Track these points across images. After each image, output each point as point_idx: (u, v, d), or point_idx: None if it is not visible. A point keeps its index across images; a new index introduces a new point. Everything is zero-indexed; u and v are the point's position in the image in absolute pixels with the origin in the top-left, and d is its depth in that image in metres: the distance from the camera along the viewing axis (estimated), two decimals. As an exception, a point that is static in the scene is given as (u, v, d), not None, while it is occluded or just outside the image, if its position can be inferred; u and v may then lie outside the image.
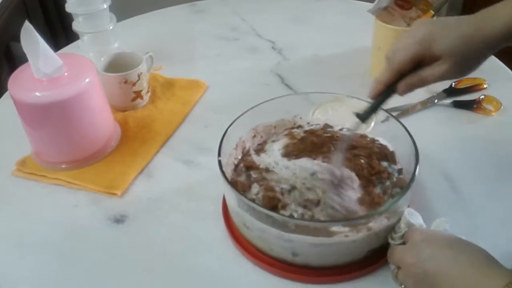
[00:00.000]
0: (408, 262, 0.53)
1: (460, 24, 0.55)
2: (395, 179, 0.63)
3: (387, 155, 0.66)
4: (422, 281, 0.51)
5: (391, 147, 0.67)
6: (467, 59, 0.56)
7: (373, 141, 0.68)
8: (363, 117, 0.60)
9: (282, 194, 0.60)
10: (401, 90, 0.58)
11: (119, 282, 0.60)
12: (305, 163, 0.63)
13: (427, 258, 0.50)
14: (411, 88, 0.58)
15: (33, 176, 0.74)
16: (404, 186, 0.62)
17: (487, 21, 0.55)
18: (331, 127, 0.71)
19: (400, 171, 0.65)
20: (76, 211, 0.69)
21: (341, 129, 0.71)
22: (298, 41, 1.05)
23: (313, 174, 0.62)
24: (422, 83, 0.57)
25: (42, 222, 0.68)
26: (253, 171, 0.65)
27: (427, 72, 0.56)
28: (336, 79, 0.91)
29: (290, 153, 0.66)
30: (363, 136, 0.69)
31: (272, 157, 0.66)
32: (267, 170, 0.64)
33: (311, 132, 0.70)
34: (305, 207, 0.59)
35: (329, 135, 0.69)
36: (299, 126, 0.72)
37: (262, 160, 0.66)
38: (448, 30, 0.55)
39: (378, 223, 0.56)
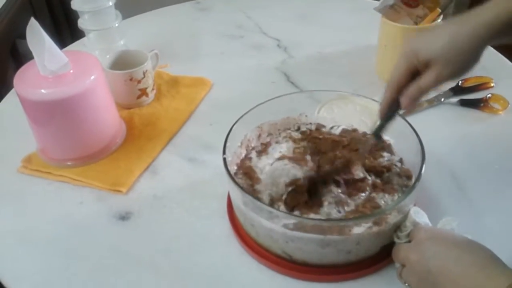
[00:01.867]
0: (412, 260, 0.52)
1: (446, 25, 0.56)
2: (398, 170, 0.63)
3: (384, 147, 0.66)
4: (425, 279, 0.50)
5: (388, 139, 0.68)
6: (457, 56, 0.55)
7: (364, 134, 0.69)
8: (378, 134, 0.61)
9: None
10: (404, 104, 0.58)
11: (124, 278, 0.60)
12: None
13: (431, 257, 0.50)
14: (412, 99, 0.58)
15: (39, 173, 0.74)
16: (409, 175, 0.62)
17: (472, 14, 0.55)
18: (324, 126, 0.71)
19: (400, 160, 0.65)
20: (81, 208, 0.69)
21: (332, 127, 0.71)
22: (303, 39, 1.04)
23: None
24: (421, 92, 0.57)
25: (47, 219, 0.68)
26: (248, 180, 0.64)
27: (422, 80, 0.56)
28: (342, 77, 0.91)
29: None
30: (354, 130, 0.70)
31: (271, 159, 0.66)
32: (257, 179, 0.64)
33: (311, 136, 0.69)
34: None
35: (332, 138, 0.68)
36: (298, 129, 0.72)
37: (261, 163, 0.66)
38: (432, 35, 0.55)
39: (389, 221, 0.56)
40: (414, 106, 0.59)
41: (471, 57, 0.56)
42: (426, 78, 0.56)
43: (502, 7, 0.53)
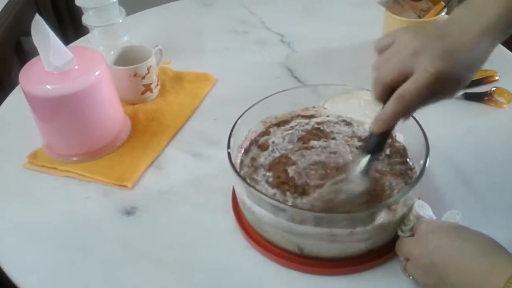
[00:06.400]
0: (416, 254, 0.53)
1: (464, 50, 0.51)
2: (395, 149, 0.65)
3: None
4: (430, 272, 0.51)
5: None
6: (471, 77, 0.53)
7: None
8: (373, 150, 0.55)
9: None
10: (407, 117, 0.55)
11: (129, 273, 0.60)
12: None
13: (435, 249, 0.51)
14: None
15: (45, 169, 0.75)
16: (403, 153, 0.64)
17: (483, 34, 0.50)
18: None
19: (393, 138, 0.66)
20: (87, 203, 0.70)
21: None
22: (307, 34, 1.04)
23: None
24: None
25: (53, 214, 0.69)
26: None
27: (433, 101, 0.53)
28: (346, 71, 0.91)
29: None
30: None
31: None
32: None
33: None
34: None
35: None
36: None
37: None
38: (459, 66, 0.51)
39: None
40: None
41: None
42: (437, 100, 0.53)
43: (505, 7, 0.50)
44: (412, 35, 0.53)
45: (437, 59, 0.49)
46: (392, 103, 0.51)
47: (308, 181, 0.61)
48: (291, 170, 0.62)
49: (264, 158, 0.65)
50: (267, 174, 0.63)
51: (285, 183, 0.61)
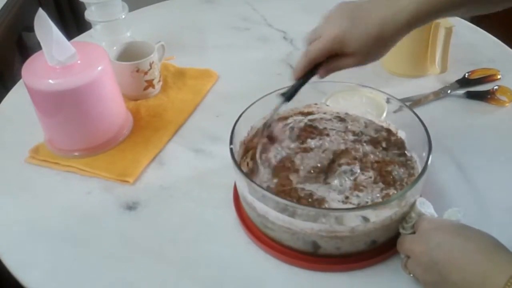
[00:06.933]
0: (417, 251, 0.53)
1: (368, 22, 0.59)
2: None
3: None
4: (431, 269, 0.51)
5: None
6: (380, 49, 0.61)
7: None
8: (288, 96, 0.65)
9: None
10: (321, 75, 0.66)
11: (131, 268, 0.61)
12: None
13: (436, 247, 0.51)
14: (329, 73, 0.66)
15: (46, 163, 0.75)
16: (400, 146, 0.65)
17: (392, 17, 0.58)
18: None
19: (388, 131, 0.68)
20: (89, 198, 0.70)
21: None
22: (309, 31, 1.04)
23: None
24: (338, 69, 0.64)
25: (55, 209, 0.69)
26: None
27: (342, 62, 0.63)
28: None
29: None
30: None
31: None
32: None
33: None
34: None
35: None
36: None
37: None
38: (358, 30, 0.59)
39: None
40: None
41: (391, 47, 0.61)
42: (345, 63, 0.63)
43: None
44: (337, 7, 0.64)
45: (340, 25, 0.60)
46: (302, 55, 0.64)
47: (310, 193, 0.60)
48: (294, 179, 0.62)
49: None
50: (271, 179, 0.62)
51: (287, 192, 0.60)
